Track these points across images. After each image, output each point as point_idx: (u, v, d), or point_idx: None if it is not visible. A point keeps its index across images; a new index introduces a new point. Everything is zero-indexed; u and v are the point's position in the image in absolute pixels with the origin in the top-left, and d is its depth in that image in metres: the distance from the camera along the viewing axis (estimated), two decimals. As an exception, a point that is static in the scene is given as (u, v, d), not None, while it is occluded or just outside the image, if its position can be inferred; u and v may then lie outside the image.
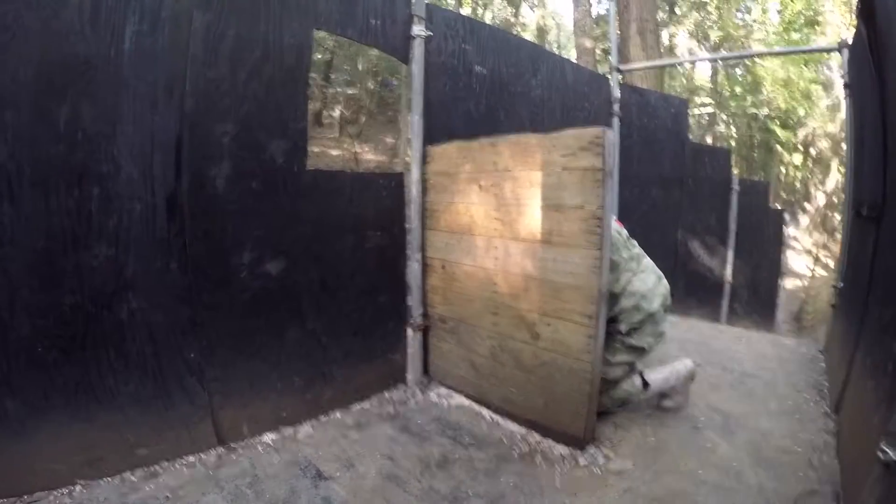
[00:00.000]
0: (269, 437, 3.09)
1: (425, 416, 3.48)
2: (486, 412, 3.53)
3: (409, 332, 3.86)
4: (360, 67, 12.52)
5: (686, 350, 4.59)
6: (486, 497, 2.66)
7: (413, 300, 3.85)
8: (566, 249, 2.93)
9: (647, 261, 3.43)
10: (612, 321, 3.19)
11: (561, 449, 3.09)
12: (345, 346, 3.47)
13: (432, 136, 3.72)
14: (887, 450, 1.77)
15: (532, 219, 3.08)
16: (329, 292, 3.35)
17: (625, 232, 3.42)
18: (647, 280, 3.29)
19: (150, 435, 2.70)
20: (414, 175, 3.70)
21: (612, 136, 2.80)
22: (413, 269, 3.80)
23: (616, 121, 5.76)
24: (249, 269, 2.96)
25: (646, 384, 3.38)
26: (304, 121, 3.18)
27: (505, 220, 3.25)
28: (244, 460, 2.86)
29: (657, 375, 3.45)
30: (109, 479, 2.58)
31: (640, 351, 3.30)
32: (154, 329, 2.67)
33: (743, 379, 4.23)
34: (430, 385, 3.91)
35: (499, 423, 3.41)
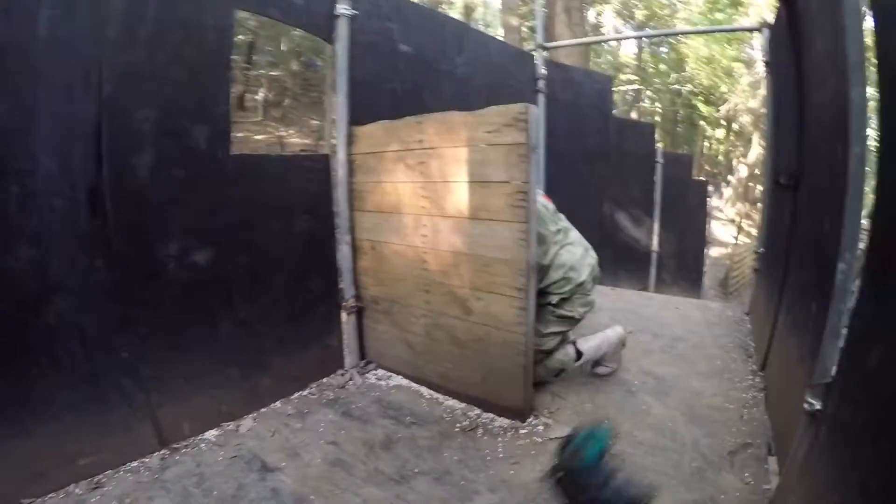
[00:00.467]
0: (211, 434, 3.01)
1: (366, 398, 3.46)
2: (425, 390, 3.55)
3: (343, 315, 3.81)
4: (283, 48, 12.23)
5: (616, 318, 4.72)
6: (431, 473, 2.68)
7: (345, 283, 3.80)
8: (494, 224, 2.95)
9: (575, 233, 3.49)
10: (542, 293, 3.24)
11: (501, 421, 3.14)
12: (279, 333, 3.40)
13: (357, 116, 3.66)
14: (812, 401, 1.88)
15: (459, 195, 3.09)
16: (259, 280, 3.26)
17: (551, 206, 3.46)
18: (575, 252, 3.35)
19: (91, 443, 2.57)
20: (340, 156, 3.64)
21: (536, 111, 2.82)
22: (343, 251, 3.75)
23: (541, 97, 5.80)
24: (177, 260, 2.85)
25: (579, 353, 3.46)
26: (228, 104, 3.06)
27: (432, 197, 3.24)
28: (188, 460, 2.77)
29: (589, 344, 3.54)
30: (54, 494, 2.45)
31: (572, 321, 3.36)
32: (84, 330, 2.52)
33: (673, 343, 4.38)
34: (367, 367, 3.89)
35: (439, 401, 3.43)
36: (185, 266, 2.89)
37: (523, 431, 3.04)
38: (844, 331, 1.88)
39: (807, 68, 2.96)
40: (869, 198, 1.83)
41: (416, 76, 4.20)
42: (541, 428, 3.07)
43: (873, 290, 1.68)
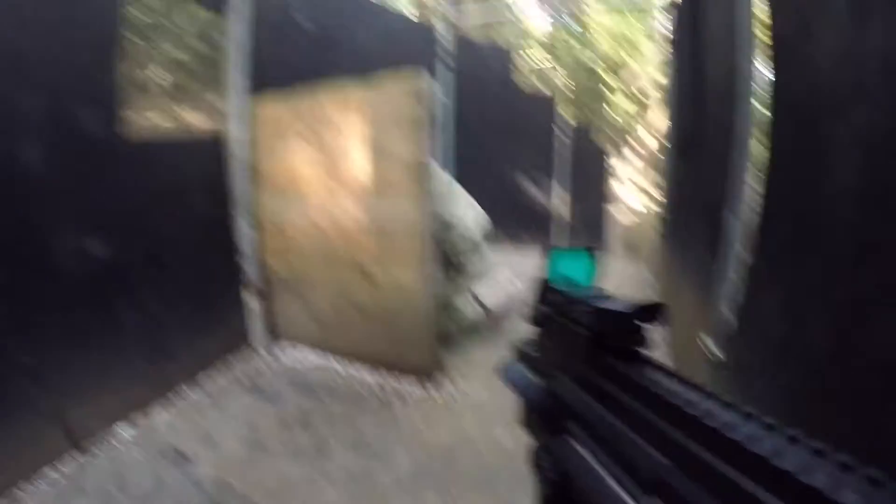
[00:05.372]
0: (124, 430, 2.87)
1: (277, 377, 3.42)
2: (336, 364, 3.54)
3: (249, 295, 3.73)
4: (181, 23, 11.62)
5: (522, 277, 4.78)
6: (349, 444, 2.70)
7: (249, 262, 3.70)
8: (393, 196, 2.96)
9: (465, 195, 3.67)
10: (443, 251, 3.36)
11: (414, 387, 3.19)
12: (185, 319, 3.28)
13: (256, 91, 3.54)
14: (712, 348, 2.12)
15: (358, 169, 3.07)
16: (160, 266, 3.12)
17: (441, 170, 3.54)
18: (468, 212, 3.51)
19: (2, 457, 2.39)
20: (237, 134, 3.51)
21: (436, 85, 2.82)
22: (245, 231, 3.63)
23: (445, 69, 5.79)
24: (73, 253, 2.65)
25: (485, 309, 3.63)
26: (120, 86, 2.87)
27: (332, 172, 3.21)
28: (104, 460, 2.64)
29: (494, 300, 3.75)
30: (-29, 516, 2.28)
31: (470, 274, 3.57)
32: None
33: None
34: (277, 346, 3.83)
35: (350, 373, 3.43)
36: (82, 258, 2.70)
37: (436, 395, 3.11)
38: (738, 283, 2.00)
39: (705, 43, 3.16)
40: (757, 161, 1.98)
41: (315, 49, 4.12)
42: (452, 390, 3.14)
43: (762, 245, 1.78)
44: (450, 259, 3.42)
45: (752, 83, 2.08)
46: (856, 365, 1.09)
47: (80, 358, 2.71)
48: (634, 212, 13.94)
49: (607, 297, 0.60)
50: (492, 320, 3.65)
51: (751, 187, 2.05)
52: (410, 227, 2.91)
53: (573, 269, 0.74)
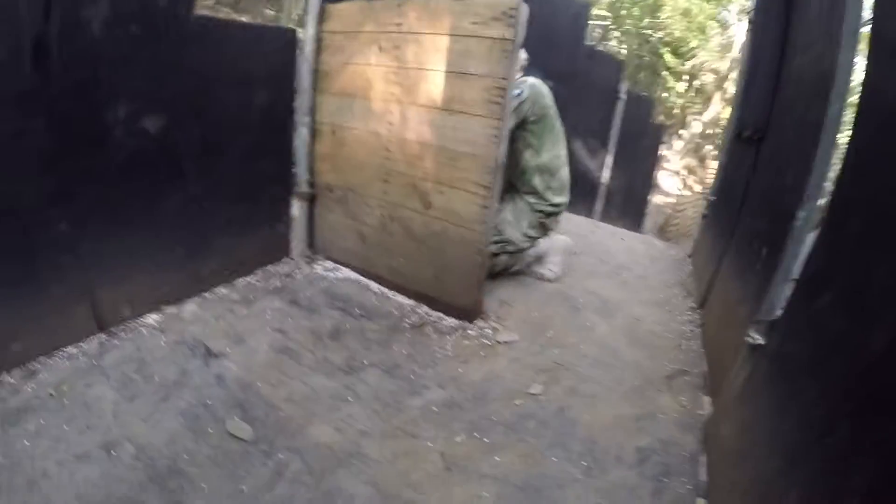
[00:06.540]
0: (152, 318, 2.80)
1: (313, 288, 3.37)
2: (374, 284, 3.50)
3: (295, 201, 3.66)
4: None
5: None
6: (380, 366, 2.69)
7: (300, 167, 3.60)
8: (466, 118, 2.85)
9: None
10: (540, 197, 3.52)
11: (450, 321, 3.16)
12: (228, 214, 3.18)
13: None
14: (755, 335, 2.03)
15: (433, 84, 2.95)
16: (212, 153, 2.99)
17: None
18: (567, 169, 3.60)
19: (24, 327, 2.30)
20: (309, 32, 3.38)
21: (526, 9, 2.70)
22: (301, 133, 3.53)
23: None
24: (126, 125, 2.51)
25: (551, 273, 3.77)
26: None
27: (404, 84, 3.08)
28: (128, 344, 2.58)
29: (557, 267, 3.85)
30: (-14, 384, 2.24)
31: (547, 233, 3.68)
32: (16, 200, 2.19)
33: (618, 270, 4.45)
34: (315, 257, 3.78)
35: (387, 295, 3.40)
36: (134, 133, 2.56)
37: (471, 332, 3.06)
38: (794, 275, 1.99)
39: (794, 32, 3.04)
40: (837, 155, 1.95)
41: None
42: (489, 331, 3.10)
43: (830, 238, 1.75)
44: (542, 207, 3.55)
45: (849, 77, 1.97)
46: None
47: (118, 236, 2.62)
48: (668, 193, 13.81)
49: None
50: (528, 254, 3.75)
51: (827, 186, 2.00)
52: (479, 151, 2.83)
53: None
